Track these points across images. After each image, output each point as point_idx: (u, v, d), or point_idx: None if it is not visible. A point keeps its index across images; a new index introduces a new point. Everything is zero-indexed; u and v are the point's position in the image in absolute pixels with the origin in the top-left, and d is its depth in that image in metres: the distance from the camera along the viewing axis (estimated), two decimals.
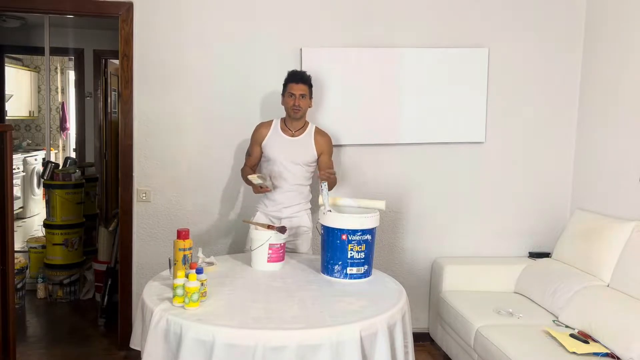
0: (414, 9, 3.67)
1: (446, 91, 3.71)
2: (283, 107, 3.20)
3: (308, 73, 3.19)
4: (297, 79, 3.12)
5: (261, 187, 3.05)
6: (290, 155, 3.13)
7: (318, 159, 3.21)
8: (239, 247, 3.55)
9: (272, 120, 3.24)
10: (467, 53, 3.71)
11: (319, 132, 3.25)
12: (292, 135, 3.17)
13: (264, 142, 3.18)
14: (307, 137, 3.19)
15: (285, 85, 3.17)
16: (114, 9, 3.47)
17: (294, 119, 3.17)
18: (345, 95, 3.63)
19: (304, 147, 3.17)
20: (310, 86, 3.17)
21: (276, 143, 3.16)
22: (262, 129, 3.22)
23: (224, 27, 3.55)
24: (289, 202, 3.15)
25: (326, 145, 3.23)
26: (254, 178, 3.00)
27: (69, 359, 3.57)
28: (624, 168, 3.34)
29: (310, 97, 3.19)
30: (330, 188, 2.93)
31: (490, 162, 3.83)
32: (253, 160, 3.26)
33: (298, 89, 3.10)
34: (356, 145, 3.70)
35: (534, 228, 3.89)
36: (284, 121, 3.21)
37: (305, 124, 3.22)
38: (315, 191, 3.24)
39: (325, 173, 2.97)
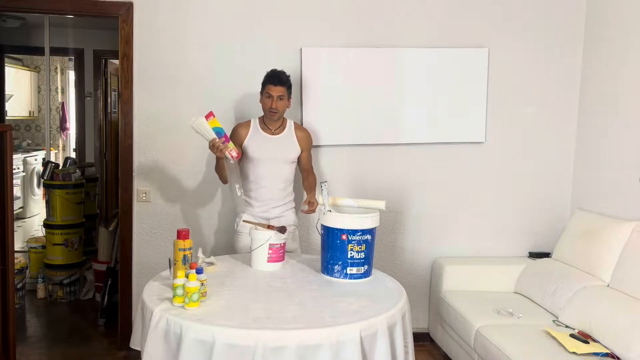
0: (413, 9, 3.67)
1: (446, 91, 3.71)
2: (261, 105, 3.11)
3: (287, 73, 3.07)
4: (276, 80, 3.00)
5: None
6: (275, 154, 3.09)
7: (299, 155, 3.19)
8: None
9: (249, 121, 3.17)
10: (467, 53, 3.71)
11: (299, 128, 3.23)
12: (273, 134, 3.12)
13: (245, 143, 3.09)
14: (289, 133, 3.16)
15: (263, 85, 3.06)
16: (114, 9, 3.47)
17: (272, 121, 3.12)
18: (345, 95, 3.63)
19: (287, 144, 3.14)
20: (289, 87, 3.06)
21: (259, 142, 3.09)
22: (241, 129, 3.13)
23: (224, 27, 3.55)
24: (277, 202, 3.12)
25: (307, 141, 3.21)
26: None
27: (69, 359, 3.57)
28: (624, 168, 3.34)
29: (289, 98, 3.09)
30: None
31: (490, 162, 3.83)
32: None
33: (276, 90, 2.99)
34: (356, 145, 3.70)
35: (534, 228, 3.89)
36: (262, 120, 3.15)
37: (284, 121, 3.17)
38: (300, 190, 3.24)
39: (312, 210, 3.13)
